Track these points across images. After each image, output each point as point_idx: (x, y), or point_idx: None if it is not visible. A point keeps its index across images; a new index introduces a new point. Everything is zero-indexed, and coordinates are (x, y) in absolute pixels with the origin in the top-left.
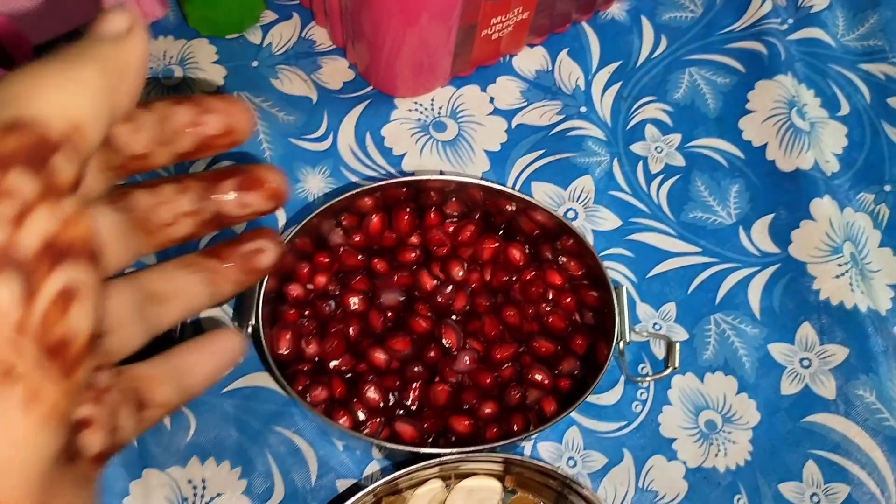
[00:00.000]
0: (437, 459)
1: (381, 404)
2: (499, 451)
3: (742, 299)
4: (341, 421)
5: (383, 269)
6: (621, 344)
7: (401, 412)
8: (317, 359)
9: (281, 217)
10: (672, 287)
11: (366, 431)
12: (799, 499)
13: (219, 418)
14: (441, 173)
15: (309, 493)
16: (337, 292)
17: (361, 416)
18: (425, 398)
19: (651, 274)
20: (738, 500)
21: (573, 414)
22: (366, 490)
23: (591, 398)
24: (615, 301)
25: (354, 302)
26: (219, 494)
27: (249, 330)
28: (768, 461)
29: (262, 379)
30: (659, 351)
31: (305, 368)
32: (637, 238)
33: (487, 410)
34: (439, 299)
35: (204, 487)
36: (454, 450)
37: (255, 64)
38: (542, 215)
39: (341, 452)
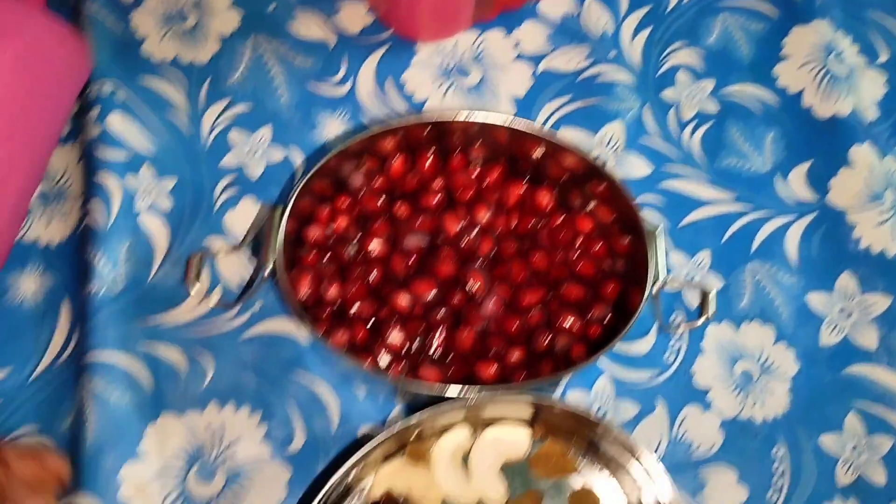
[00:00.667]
0: (463, 400)
1: (405, 348)
2: (528, 393)
3: (779, 248)
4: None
5: (405, 214)
6: (655, 287)
7: (425, 359)
8: (337, 304)
9: (297, 158)
10: (706, 235)
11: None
12: (840, 451)
13: (237, 364)
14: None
15: (330, 439)
16: (357, 237)
17: (384, 360)
18: (450, 344)
19: (684, 222)
20: (777, 451)
21: (604, 363)
22: (388, 432)
23: (623, 347)
24: (649, 242)
25: (376, 246)
26: (238, 439)
27: (267, 272)
28: (808, 412)
29: (282, 325)
30: (692, 300)
31: (326, 313)
32: (669, 186)
33: (515, 357)
34: (464, 243)
35: (223, 432)
36: (481, 387)
37: (271, 8)
38: (571, 158)
39: (363, 400)
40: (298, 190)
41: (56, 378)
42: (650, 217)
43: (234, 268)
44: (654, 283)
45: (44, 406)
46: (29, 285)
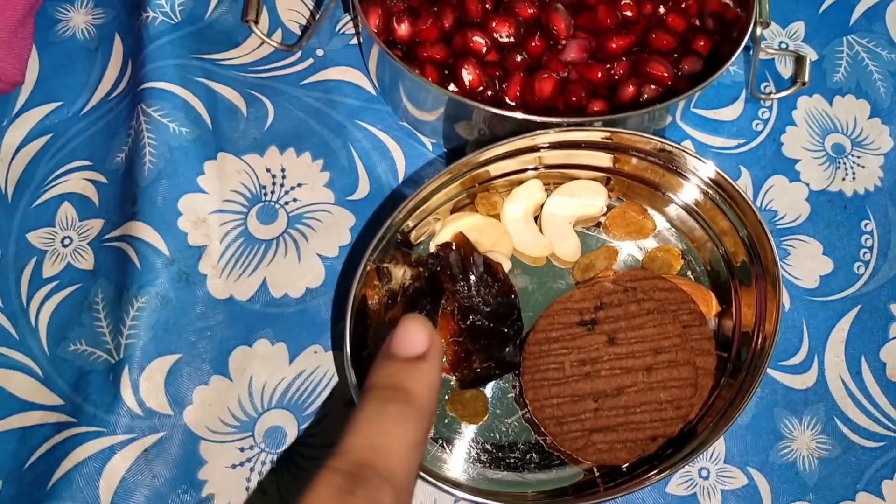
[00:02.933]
0: (539, 133)
1: (480, 87)
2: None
3: (879, 21)
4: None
5: None
6: (759, 30)
7: (500, 107)
8: (407, 47)
9: None
10: (801, 5)
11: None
12: None
13: (298, 109)
14: None
15: (397, 190)
16: None
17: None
18: (528, 92)
19: None
20: (866, 225)
21: (688, 127)
22: (452, 167)
23: (709, 112)
24: None
25: None
26: (300, 184)
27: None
28: None
29: (346, 73)
30: (785, 70)
31: (395, 54)
32: None
33: (596, 108)
34: None
35: (284, 176)
36: (559, 118)
37: None
38: None
39: (430, 151)
40: None
41: (109, 112)
42: None
43: (296, 11)
44: (759, 18)
45: (96, 140)
46: (79, 19)
